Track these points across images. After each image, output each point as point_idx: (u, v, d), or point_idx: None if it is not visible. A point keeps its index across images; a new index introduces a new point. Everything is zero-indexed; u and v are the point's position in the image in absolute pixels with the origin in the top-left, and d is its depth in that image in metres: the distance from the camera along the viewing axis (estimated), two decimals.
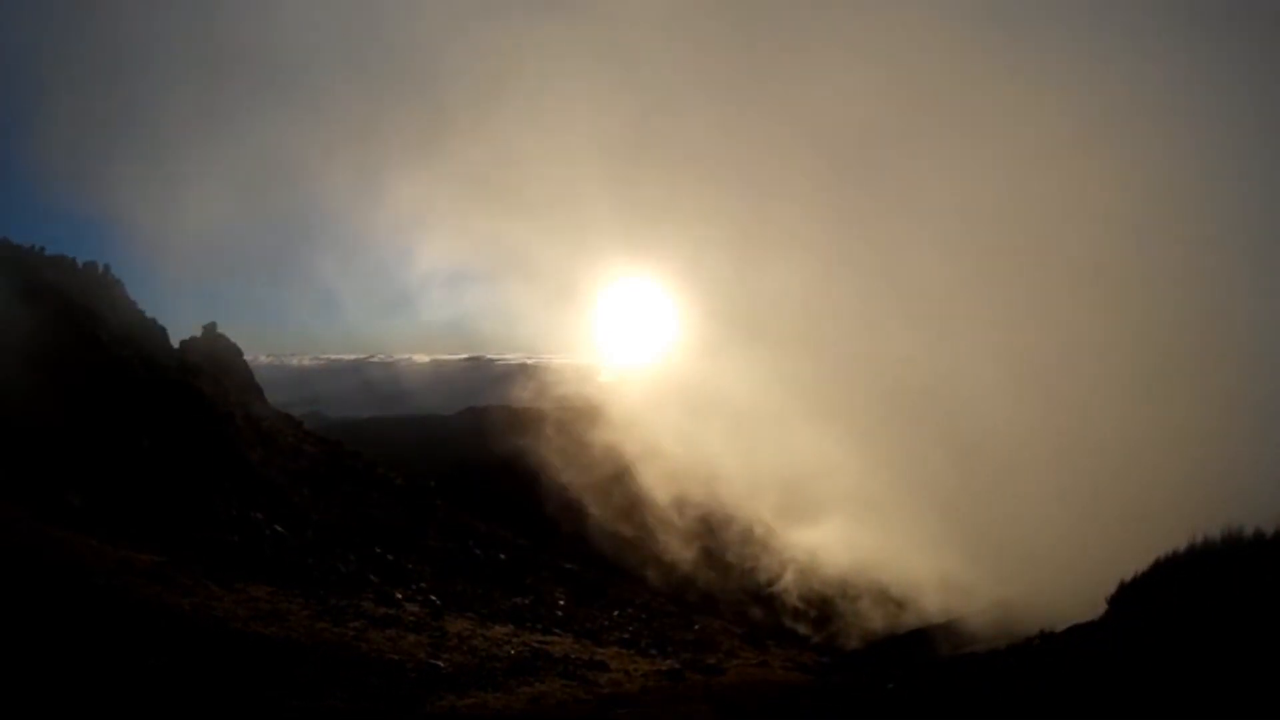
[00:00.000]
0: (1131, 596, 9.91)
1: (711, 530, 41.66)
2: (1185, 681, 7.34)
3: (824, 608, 36.75)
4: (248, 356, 43.77)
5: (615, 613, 26.87)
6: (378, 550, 25.35)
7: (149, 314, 37.96)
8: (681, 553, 40.07)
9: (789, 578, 38.53)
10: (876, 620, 34.49)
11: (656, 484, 43.26)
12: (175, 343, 38.48)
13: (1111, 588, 10.58)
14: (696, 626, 27.25)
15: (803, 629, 35.11)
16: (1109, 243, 46.55)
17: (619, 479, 44.46)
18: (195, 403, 31.81)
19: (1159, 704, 7.09)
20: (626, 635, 23.24)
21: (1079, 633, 10.38)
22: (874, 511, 40.07)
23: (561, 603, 26.09)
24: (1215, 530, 9.82)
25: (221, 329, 42.01)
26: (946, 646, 24.11)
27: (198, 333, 40.93)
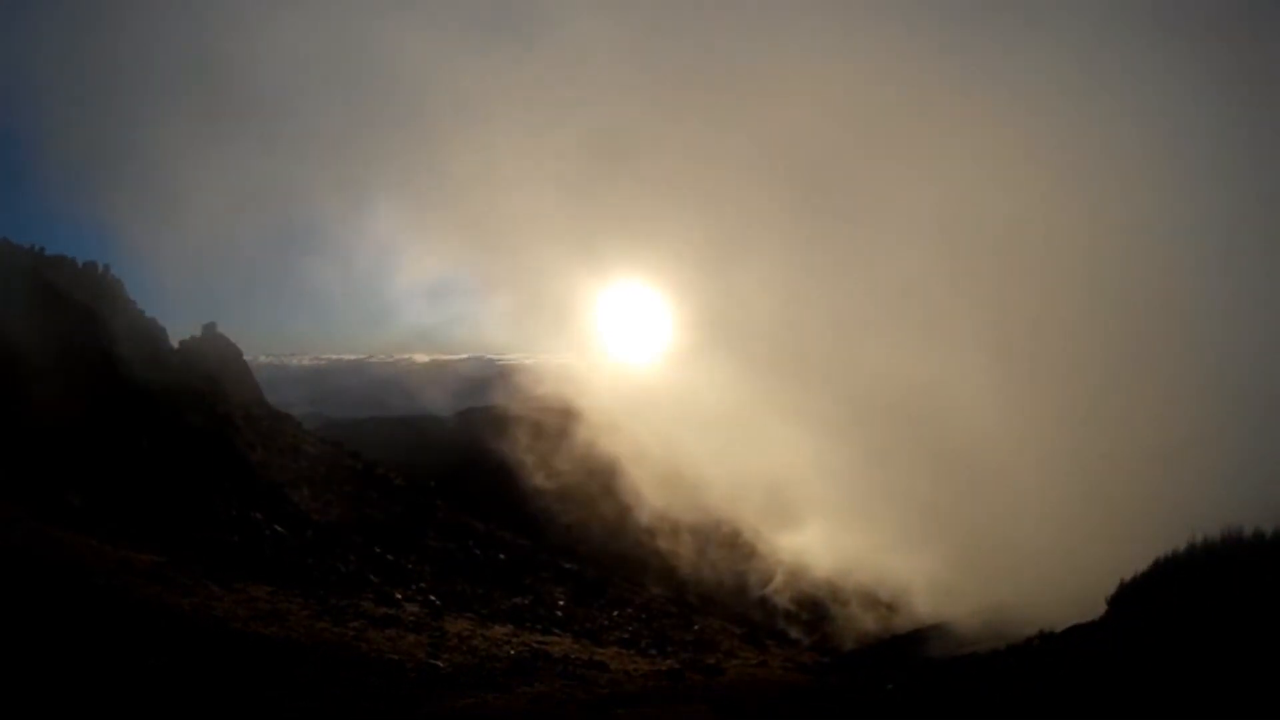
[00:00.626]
0: (1132, 597, 9.92)
1: (701, 533, 41.57)
2: (1186, 681, 7.33)
3: (816, 610, 36.70)
4: (247, 356, 43.81)
5: (615, 613, 26.87)
6: (377, 550, 25.35)
7: (149, 314, 37.97)
8: (675, 554, 40.03)
9: (779, 580, 38.49)
10: (868, 623, 34.44)
11: (648, 485, 43.25)
12: (175, 343, 38.49)
13: (1111, 588, 10.59)
14: (696, 627, 27.25)
15: (795, 632, 35.11)
16: (1097, 240, 46.43)
17: (613, 480, 44.49)
18: (195, 403, 31.82)
19: (1160, 704, 7.09)
20: (626, 635, 23.26)
21: (1079, 633, 10.38)
22: (858, 516, 39.94)
23: (561, 603, 26.09)
24: (1215, 531, 9.83)
25: (221, 329, 42.05)
26: (940, 648, 24.08)
27: (197, 333, 40.97)
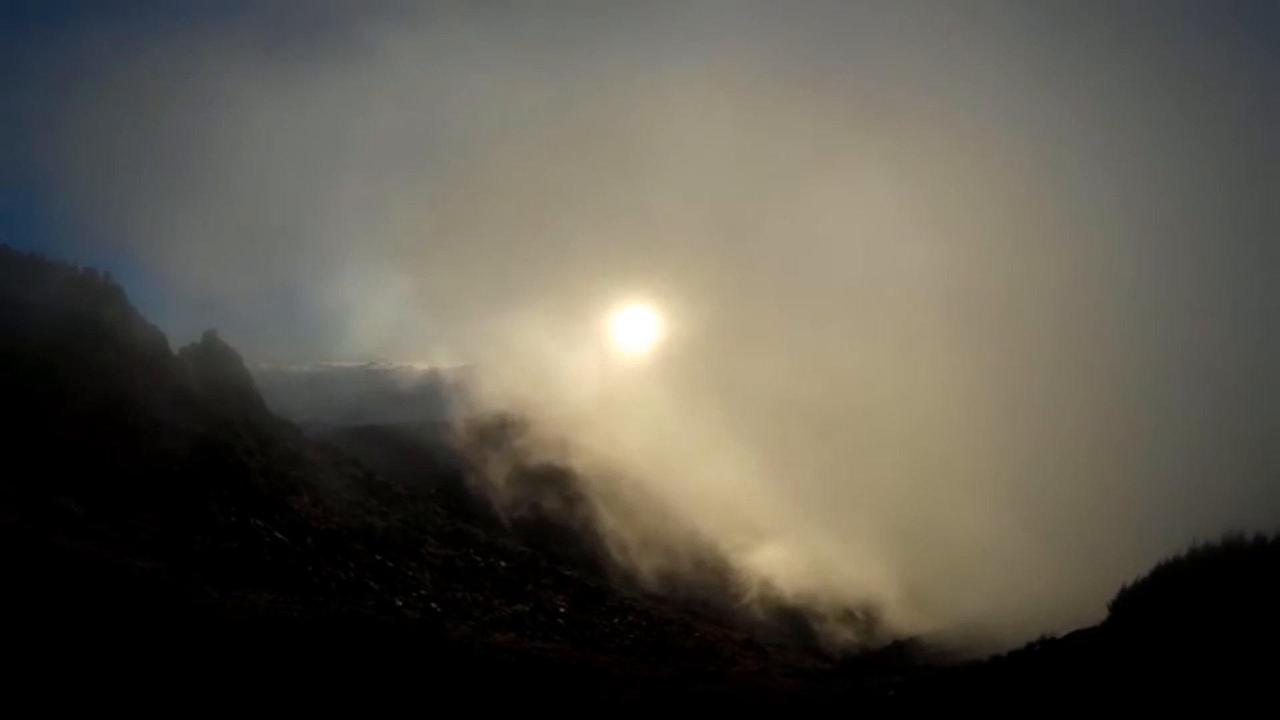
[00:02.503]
0: (1134, 602, 9.89)
1: (674, 547, 41.04)
2: (1188, 687, 7.33)
3: (795, 624, 36.28)
4: (247, 363, 43.62)
5: (615, 620, 26.80)
6: (377, 557, 25.30)
7: (149, 320, 37.84)
8: (661, 564, 39.59)
9: (754, 594, 38.05)
10: (848, 635, 34.11)
11: (619, 497, 42.93)
12: (175, 349, 38.39)
13: (1113, 593, 10.55)
14: (696, 634, 27.19)
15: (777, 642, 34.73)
16: (1085, 235, 46.33)
17: (593, 490, 44.29)
18: (194, 410, 31.76)
19: (1162, 708, 7.08)
20: (627, 643, 23.21)
21: (1081, 638, 10.34)
22: (827, 529, 39.47)
23: (562, 610, 26.02)
24: (1216, 536, 9.81)
25: (221, 336, 41.91)
26: (937, 656, 23.80)
27: (197, 339, 40.84)
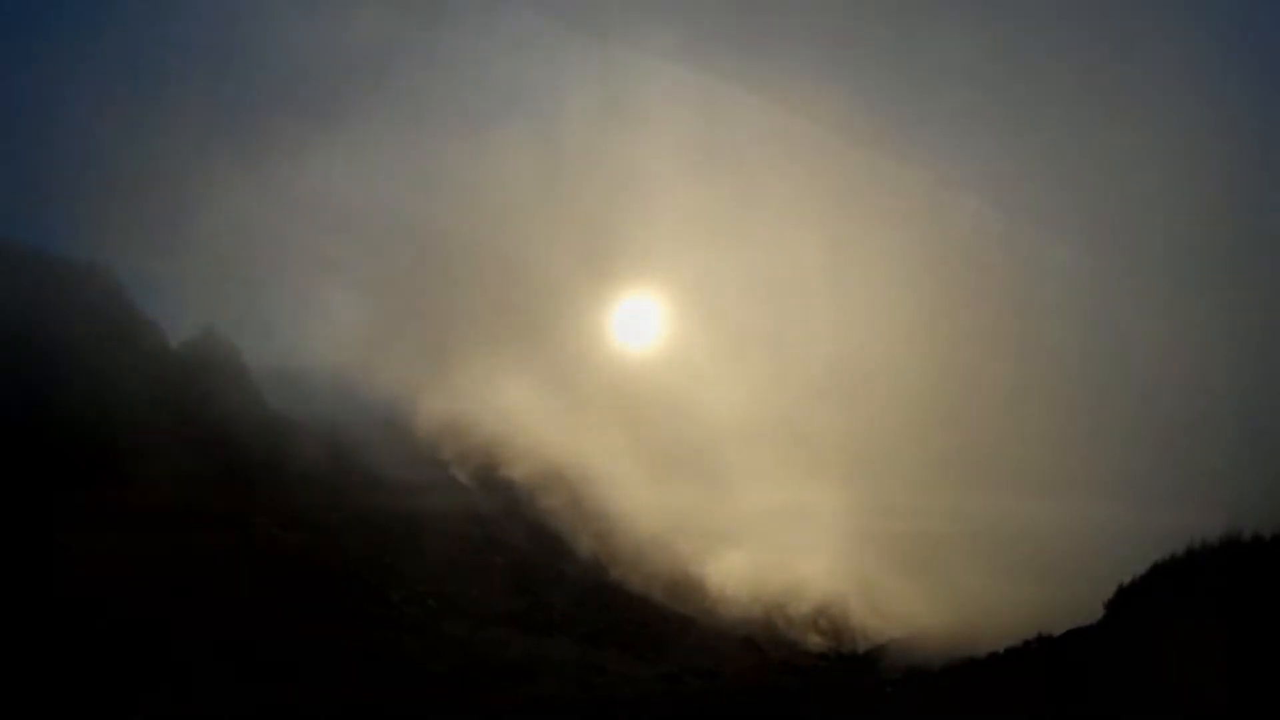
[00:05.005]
0: (1129, 600, 9.94)
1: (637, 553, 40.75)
2: (1180, 685, 7.36)
3: (769, 630, 36.09)
4: (246, 358, 43.47)
5: (612, 616, 26.81)
6: (376, 552, 25.29)
7: (149, 315, 37.79)
8: (643, 567, 39.32)
9: (722, 600, 37.82)
10: (816, 640, 33.95)
11: (605, 499, 42.70)
12: (174, 344, 38.34)
13: (1109, 592, 10.59)
14: (693, 631, 27.21)
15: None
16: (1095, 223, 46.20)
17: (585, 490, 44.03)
18: (192, 404, 31.75)
19: (1157, 705, 7.12)
20: (624, 639, 23.22)
21: (1076, 636, 10.39)
22: (785, 541, 39.22)
23: (559, 606, 26.02)
24: (1214, 534, 9.83)
25: (220, 330, 41.76)
26: (906, 660, 23.59)
27: (196, 334, 40.73)
